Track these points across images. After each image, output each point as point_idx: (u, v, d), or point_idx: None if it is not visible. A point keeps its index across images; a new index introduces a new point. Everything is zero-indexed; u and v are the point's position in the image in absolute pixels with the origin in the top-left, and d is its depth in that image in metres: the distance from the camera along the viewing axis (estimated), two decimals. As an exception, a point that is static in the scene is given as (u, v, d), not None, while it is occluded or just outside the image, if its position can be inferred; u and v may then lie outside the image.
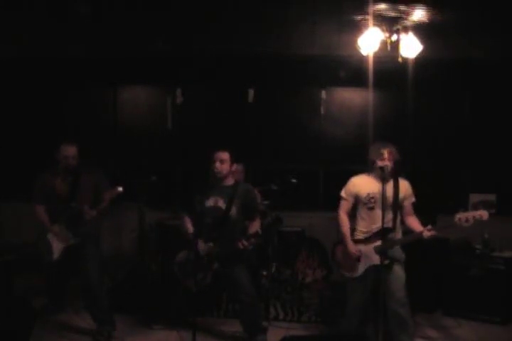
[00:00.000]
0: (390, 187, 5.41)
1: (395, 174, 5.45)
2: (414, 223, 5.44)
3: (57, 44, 7.65)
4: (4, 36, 7.36)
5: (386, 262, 5.24)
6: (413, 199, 5.55)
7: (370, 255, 5.37)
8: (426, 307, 6.71)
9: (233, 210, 5.69)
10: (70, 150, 5.94)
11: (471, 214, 5.02)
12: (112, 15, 6.60)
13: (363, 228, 5.51)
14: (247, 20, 6.74)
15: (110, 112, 8.70)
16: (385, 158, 5.33)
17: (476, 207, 5.56)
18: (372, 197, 5.42)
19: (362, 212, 5.54)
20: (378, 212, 5.29)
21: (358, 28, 6.44)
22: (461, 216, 5.02)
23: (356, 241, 5.51)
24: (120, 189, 5.87)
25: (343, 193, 5.63)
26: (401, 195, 5.44)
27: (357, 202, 5.56)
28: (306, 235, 7.81)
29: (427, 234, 5.17)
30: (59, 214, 5.94)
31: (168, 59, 8.12)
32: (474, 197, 7.27)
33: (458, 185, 7.95)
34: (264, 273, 6.93)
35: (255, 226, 5.72)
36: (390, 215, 5.36)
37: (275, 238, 7.03)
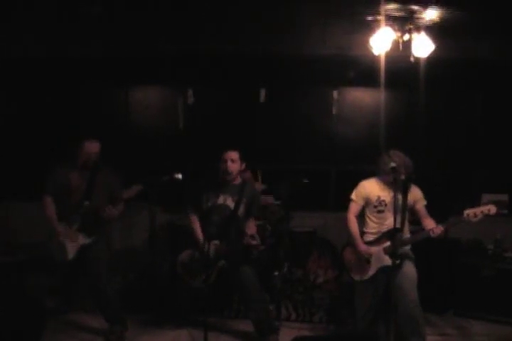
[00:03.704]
0: (399, 191, 5.40)
1: (406, 180, 5.45)
2: (431, 225, 5.43)
3: (69, 44, 7.67)
4: (17, 36, 7.39)
5: (397, 262, 5.23)
6: (424, 202, 5.58)
7: (380, 256, 5.39)
8: (437, 308, 6.68)
9: (241, 209, 5.74)
10: (94, 147, 5.93)
11: (479, 209, 5.09)
12: (123, 15, 6.62)
13: (372, 229, 5.56)
14: (258, 20, 6.75)
15: (122, 112, 8.72)
16: (392, 159, 5.34)
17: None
18: (383, 200, 5.48)
19: (371, 215, 5.58)
20: (388, 215, 5.38)
21: (369, 28, 6.42)
22: (469, 211, 5.09)
23: (366, 243, 5.54)
24: (139, 186, 5.89)
25: (353, 196, 5.68)
26: (410, 198, 5.44)
27: (367, 204, 5.61)
28: (318, 235, 7.80)
29: (434, 231, 5.20)
30: (70, 210, 5.87)
31: (180, 59, 8.13)
32: (486, 198, 7.23)
33: (470, 185, 7.92)
34: (276, 273, 6.92)
35: (253, 227, 5.78)
36: (399, 218, 5.36)
37: (286, 238, 7.02)
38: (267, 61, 8.08)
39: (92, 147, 5.94)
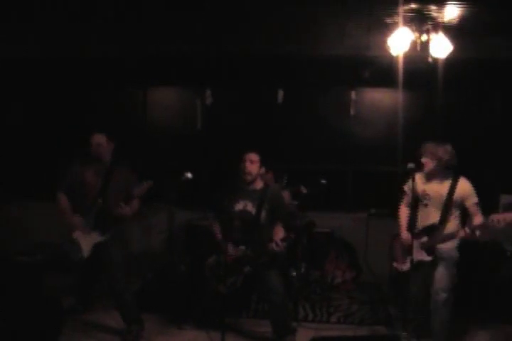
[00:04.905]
0: (445, 186, 5.44)
1: (454, 173, 5.49)
2: (474, 223, 5.36)
3: (87, 44, 7.72)
4: (35, 37, 7.44)
5: (430, 259, 5.31)
6: (475, 199, 5.44)
7: (417, 250, 5.39)
8: (453, 310, 6.65)
9: (263, 214, 5.71)
10: (98, 138, 5.98)
11: (502, 217, 4.98)
12: (141, 15, 6.64)
13: (418, 223, 5.59)
14: (276, 21, 6.74)
15: (140, 113, 8.75)
16: (423, 154, 5.41)
17: (507, 209, 5.52)
18: (428, 194, 5.50)
19: (418, 209, 5.62)
20: (432, 209, 5.45)
21: (387, 28, 6.41)
22: (493, 217, 5.01)
23: None
24: (149, 183, 5.88)
25: (405, 187, 5.75)
26: (457, 194, 5.41)
27: (414, 197, 5.60)
28: (335, 236, 7.79)
29: (457, 234, 5.22)
30: (86, 208, 5.92)
31: (198, 60, 8.14)
32: (505, 198, 7.19)
33: (488, 185, 7.86)
34: (294, 273, 6.93)
35: (282, 230, 5.73)
36: (439, 213, 5.40)
37: (304, 239, 7.02)
38: (284, 61, 8.08)
39: (97, 138, 5.99)
